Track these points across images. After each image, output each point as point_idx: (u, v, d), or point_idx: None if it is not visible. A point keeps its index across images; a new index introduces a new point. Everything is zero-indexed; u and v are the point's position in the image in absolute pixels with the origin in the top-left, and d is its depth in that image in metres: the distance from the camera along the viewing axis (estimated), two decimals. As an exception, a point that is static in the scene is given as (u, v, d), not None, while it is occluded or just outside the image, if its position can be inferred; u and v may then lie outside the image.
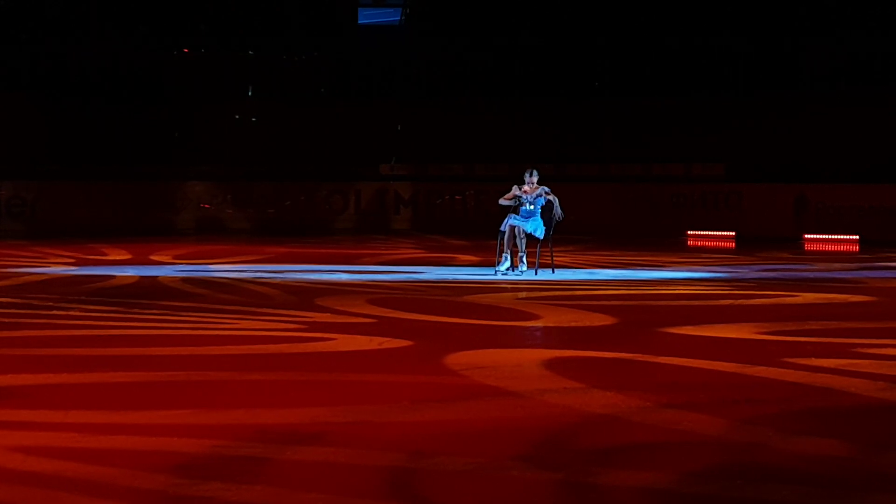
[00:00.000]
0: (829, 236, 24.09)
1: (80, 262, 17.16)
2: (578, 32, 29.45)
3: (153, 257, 18.34)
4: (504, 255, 15.23)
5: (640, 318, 11.12)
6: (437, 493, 5.19)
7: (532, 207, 15.22)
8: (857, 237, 23.71)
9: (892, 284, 14.80)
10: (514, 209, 15.39)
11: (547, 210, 15.28)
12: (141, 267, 16.47)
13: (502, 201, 15.46)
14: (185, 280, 14.50)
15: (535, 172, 15.44)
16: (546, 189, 15.31)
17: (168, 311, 11.17)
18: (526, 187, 15.33)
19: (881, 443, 6.03)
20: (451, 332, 10.12)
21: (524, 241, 15.16)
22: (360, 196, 29.06)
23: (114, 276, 14.90)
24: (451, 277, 15.15)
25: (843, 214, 24.62)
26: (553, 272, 15.35)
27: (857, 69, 26.64)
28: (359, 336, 9.60)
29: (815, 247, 22.91)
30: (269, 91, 30.82)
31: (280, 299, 12.37)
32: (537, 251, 15.36)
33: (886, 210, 24.29)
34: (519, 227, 15.09)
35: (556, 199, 15.30)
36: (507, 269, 15.19)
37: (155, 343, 9.29)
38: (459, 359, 8.46)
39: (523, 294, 13.28)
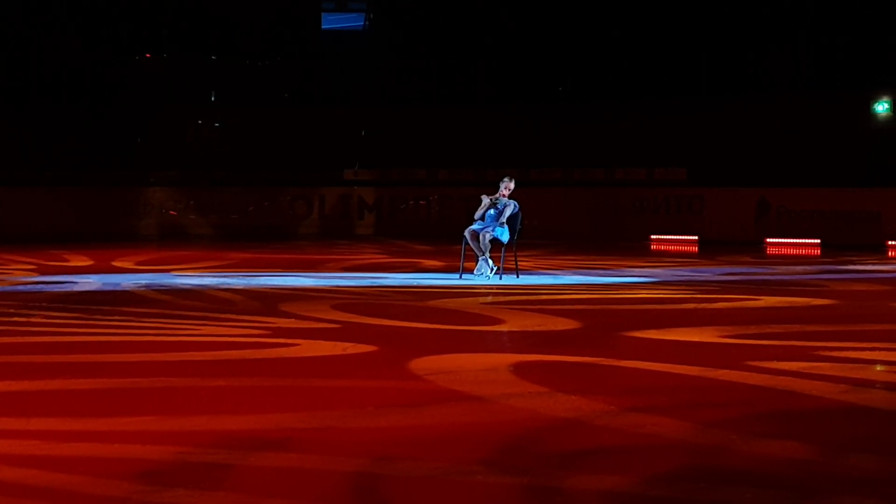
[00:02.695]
0: (791, 240, 24.27)
1: (41, 269, 17.05)
2: (541, 37, 29.53)
3: (115, 263, 18.24)
4: (482, 259, 15.22)
5: (603, 321, 11.16)
6: (401, 499, 5.18)
7: (494, 212, 15.26)
8: (819, 241, 23.90)
9: (853, 288, 14.92)
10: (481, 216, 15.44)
11: (512, 218, 15.31)
12: (103, 273, 16.37)
13: (478, 215, 15.44)
14: (147, 286, 14.43)
15: (512, 181, 15.46)
16: (516, 204, 15.33)
17: (131, 318, 11.10)
18: (503, 191, 15.35)
19: (843, 445, 6.07)
20: (416, 336, 10.12)
21: (489, 245, 15.18)
22: (323, 201, 29.02)
23: (76, 283, 14.80)
24: (415, 282, 15.15)
25: (805, 218, 24.81)
26: (517, 276, 15.38)
27: (819, 74, 26.85)
28: (323, 341, 9.57)
29: (776, 250, 23.06)
30: (231, 96, 30.73)
31: (243, 305, 12.32)
32: (502, 255, 15.39)
33: (847, 214, 24.49)
34: (484, 233, 15.10)
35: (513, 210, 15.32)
36: (493, 272, 15.19)
37: (117, 349, 9.23)
38: (424, 364, 8.45)
39: (488, 298, 13.29)
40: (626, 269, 17.55)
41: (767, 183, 25.62)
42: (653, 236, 25.77)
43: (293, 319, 11.06)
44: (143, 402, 7.10)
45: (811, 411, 6.97)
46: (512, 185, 15.45)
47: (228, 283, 14.71)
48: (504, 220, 15.21)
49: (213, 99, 31.04)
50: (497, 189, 15.50)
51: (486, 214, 15.33)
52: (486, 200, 15.44)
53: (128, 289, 14.15)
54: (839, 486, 5.34)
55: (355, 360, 8.81)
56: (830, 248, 22.65)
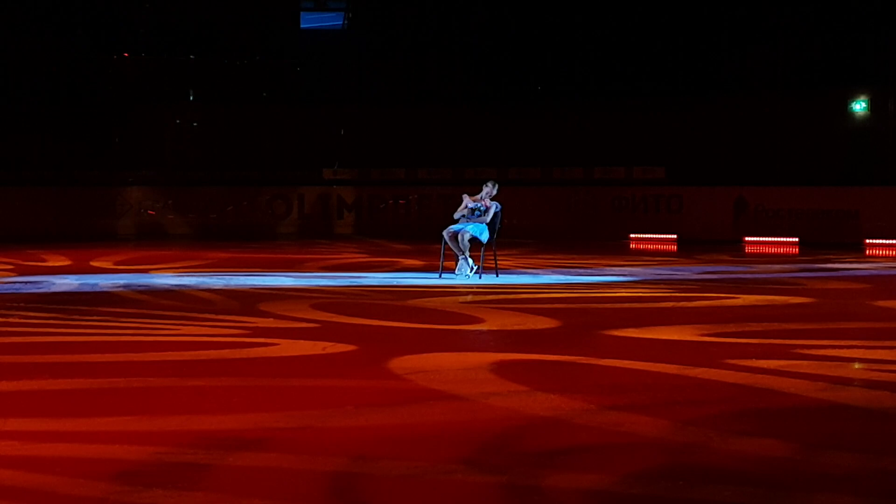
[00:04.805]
0: (769, 238, 24.36)
1: (19, 269, 16.97)
2: (519, 36, 29.54)
3: (93, 263, 18.18)
4: (461, 258, 15.21)
5: (582, 320, 11.17)
6: (380, 498, 5.18)
7: (478, 213, 15.27)
8: (797, 239, 24.00)
9: (831, 286, 14.98)
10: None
11: (492, 218, 15.32)
12: (81, 273, 16.31)
13: (457, 215, 15.45)
14: (126, 286, 14.38)
15: (496, 187, 15.47)
16: (498, 205, 15.34)
17: (109, 318, 11.07)
18: (485, 196, 15.34)
19: (821, 443, 6.09)
20: (395, 336, 10.11)
21: (468, 245, 15.18)
22: (302, 201, 28.97)
23: (53, 283, 14.74)
24: (394, 282, 15.14)
25: (783, 217, 24.91)
26: (497, 276, 15.39)
27: (796, 73, 26.95)
28: (302, 341, 9.57)
29: (754, 249, 23.14)
30: (210, 95, 30.64)
31: (222, 305, 12.30)
32: (481, 255, 15.39)
33: (825, 212, 24.60)
34: (463, 232, 15.10)
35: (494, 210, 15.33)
36: (472, 271, 15.19)
37: (95, 350, 9.20)
38: (403, 363, 8.45)
39: (468, 298, 13.29)
40: (605, 267, 17.57)
41: (746, 181, 25.70)
42: (632, 235, 25.82)
43: (272, 319, 11.04)
44: (121, 403, 7.08)
45: (789, 409, 6.99)
46: (495, 191, 15.45)
47: (207, 283, 14.67)
48: (488, 220, 15.22)
49: (191, 98, 30.95)
50: (479, 190, 15.50)
51: (471, 213, 15.31)
52: (466, 200, 15.44)
53: (106, 289, 14.10)
54: (817, 484, 5.36)
55: (335, 360, 8.80)
56: (808, 247, 22.74)
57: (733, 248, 22.92)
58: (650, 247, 24.07)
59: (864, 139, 25.99)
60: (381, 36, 30.85)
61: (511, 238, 21.64)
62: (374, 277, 15.77)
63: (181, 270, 16.90)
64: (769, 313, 11.74)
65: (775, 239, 24.24)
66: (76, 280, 15.22)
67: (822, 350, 9.18)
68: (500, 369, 8.22)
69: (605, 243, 23.83)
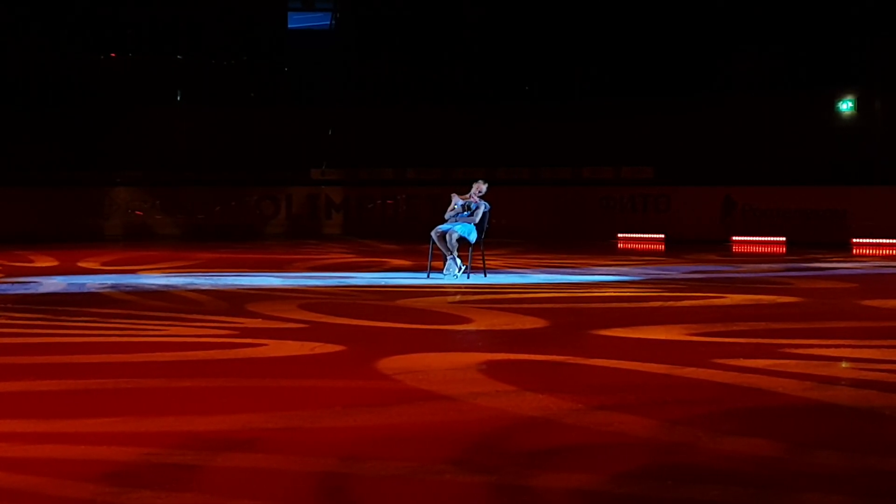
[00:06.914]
0: (756, 238, 24.41)
1: (5, 270, 16.93)
2: (508, 37, 29.56)
3: (81, 264, 18.14)
4: (449, 258, 15.21)
5: (571, 320, 11.18)
6: (369, 498, 5.18)
7: (466, 213, 15.27)
8: (784, 239, 24.05)
9: (818, 285, 15.01)
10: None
11: (480, 217, 15.32)
12: (68, 274, 16.27)
13: (448, 216, 15.44)
14: (113, 287, 14.35)
15: (485, 185, 15.47)
16: (486, 204, 15.34)
17: (96, 319, 11.04)
18: (475, 194, 15.34)
19: (808, 442, 6.10)
20: (383, 336, 10.11)
21: (456, 245, 15.18)
22: (290, 201, 28.96)
23: (41, 284, 14.71)
24: (382, 282, 15.14)
25: (770, 216, 24.96)
26: (485, 275, 15.39)
27: (783, 73, 27.00)
28: (290, 341, 9.55)
29: (742, 248, 23.18)
30: (197, 96, 30.59)
31: (210, 305, 12.28)
32: (469, 254, 15.40)
33: (812, 212, 24.66)
34: (451, 232, 15.10)
35: (483, 210, 15.33)
36: (461, 271, 15.18)
37: (83, 350, 9.18)
38: (392, 363, 8.45)
39: (456, 298, 13.29)
40: (594, 267, 17.59)
41: (733, 181, 25.76)
42: (620, 235, 25.86)
43: (260, 319, 11.03)
44: (109, 403, 7.07)
45: (777, 409, 7.00)
46: (484, 188, 15.46)
47: (195, 284, 14.65)
48: (476, 220, 15.23)
49: (178, 98, 30.90)
50: (468, 189, 15.51)
51: (459, 214, 15.31)
52: (456, 200, 15.43)
53: (93, 289, 14.07)
54: (804, 483, 5.37)
55: (323, 360, 8.79)
56: (796, 246, 22.79)
57: (721, 247, 22.97)
58: (638, 246, 24.10)
59: (851, 139, 26.06)
60: (369, 36, 30.86)
61: (499, 238, 21.66)
62: (362, 277, 15.76)
63: (169, 271, 16.87)
64: (757, 313, 11.75)
65: (763, 238, 24.30)
66: (64, 281, 15.18)
67: (810, 349, 9.20)
68: (489, 369, 8.22)
69: (594, 243, 23.85)
